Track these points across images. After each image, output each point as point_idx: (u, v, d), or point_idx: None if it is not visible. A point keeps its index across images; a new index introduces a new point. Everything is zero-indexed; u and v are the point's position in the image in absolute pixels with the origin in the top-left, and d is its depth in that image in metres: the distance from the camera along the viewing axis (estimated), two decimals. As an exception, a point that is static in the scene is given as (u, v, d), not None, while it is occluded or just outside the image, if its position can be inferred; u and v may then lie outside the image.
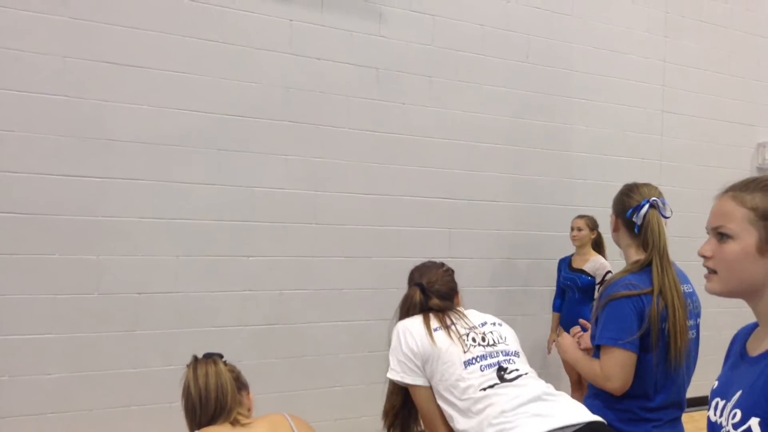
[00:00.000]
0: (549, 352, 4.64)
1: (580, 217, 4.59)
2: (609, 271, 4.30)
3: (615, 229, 2.28)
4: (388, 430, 2.31)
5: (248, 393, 1.89)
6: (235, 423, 1.72)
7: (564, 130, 4.96)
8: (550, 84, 4.88)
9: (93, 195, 3.54)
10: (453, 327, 2.17)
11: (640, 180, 2.34)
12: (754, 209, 1.25)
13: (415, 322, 2.22)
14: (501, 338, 2.20)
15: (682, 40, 5.47)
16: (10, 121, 3.37)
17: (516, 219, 4.77)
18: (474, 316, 2.28)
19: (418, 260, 4.33)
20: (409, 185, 4.38)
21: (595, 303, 2.19)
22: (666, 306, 2.07)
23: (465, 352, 2.10)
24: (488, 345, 2.14)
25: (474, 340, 2.15)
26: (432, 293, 2.28)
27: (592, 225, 4.52)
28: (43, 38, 3.42)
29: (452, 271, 2.41)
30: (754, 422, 1.16)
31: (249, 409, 1.85)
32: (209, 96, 3.80)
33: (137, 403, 3.63)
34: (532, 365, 2.22)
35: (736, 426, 1.19)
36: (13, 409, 3.38)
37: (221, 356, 1.83)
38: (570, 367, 3.82)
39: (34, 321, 3.42)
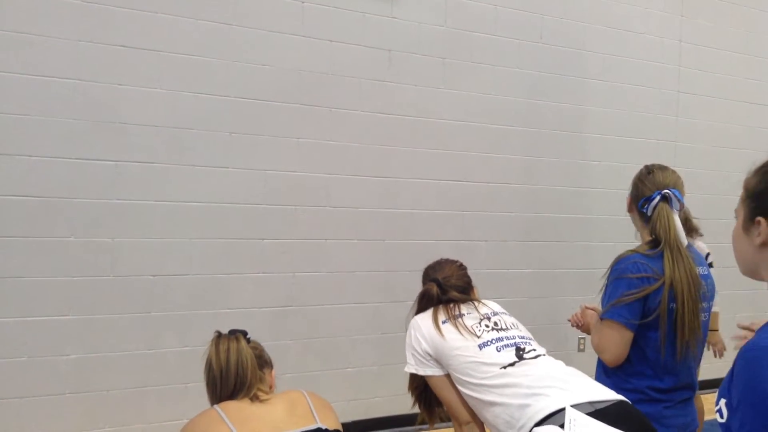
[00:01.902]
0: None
1: None
2: (708, 253, 3.97)
3: (629, 210, 2.30)
4: (415, 403, 2.46)
5: (271, 371, 1.91)
6: (254, 399, 1.75)
7: (578, 111, 4.92)
8: (564, 65, 4.84)
9: (107, 178, 3.57)
10: (461, 318, 2.23)
11: (657, 161, 2.33)
12: (747, 189, 1.26)
13: (425, 317, 2.30)
14: (513, 325, 2.27)
15: (699, 20, 5.39)
16: (24, 106, 3.39)
17: (530, 201, 4.75)
18: (487, 305, 2.34)
19: (432, 242, 4.38)
20: (422, 167, 4.37)
21: (604, 276, 2.21)
22: (675, 296, 2.07)
23: (478, 337, 2.16)
24: (501, 330, 2.20)
25: (487, 326, 2.21)
26: (449, 287, 2.34)
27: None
28: (56, 22, 3.43)
29: (466, 267, 2.48)
30: (722, 403, 1.19)
31: (270, 387, 1.88)
32: (222, 79, 3.80)
33: (153, 384, 3.67)
34: (548, 347, 2.25)
35: (716, 406, 1.23)
36: (31, 389, 3.44)
37: (245, 333, 1.85)
38: None
39: (51, 303, 3.47)
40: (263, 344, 1.98)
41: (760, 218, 1.22)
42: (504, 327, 2.21)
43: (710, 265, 3.87)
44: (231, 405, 1.72)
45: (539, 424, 1.88)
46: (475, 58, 4.52)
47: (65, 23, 3.45)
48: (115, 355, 3.61)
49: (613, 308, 2.10)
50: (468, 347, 2.14)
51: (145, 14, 3.61)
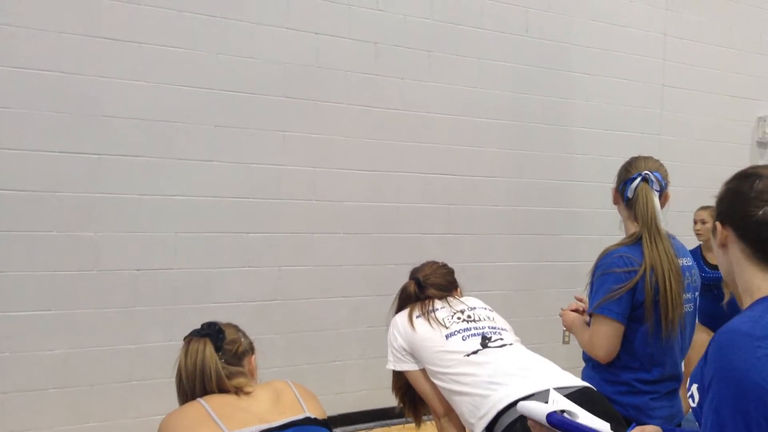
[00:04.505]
0: None
1: (704, 208, 4.21)
2: None
3: (615, 202, 2.31)
4: (400, 403, 2.55)
5: (251, 358, 1.89)
6: (239, 392, 1.73)
7: (563, 104, 4.94)
8: (549, 58, 4.85)
9: (90, 172, 3.53)
10: (434, 313, 2.29)
11: (641, 154, 2.34)
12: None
13: (403, 314, 2.38)
14: (488, 317, 2.29)
15: (683, 13, 5.42)
16: (5, 98, 3.35)
17: (515, 194, 4.76)
18: (465, 301, 2.38)
19: (418, 236, 4.39)
20: (408, 161, 4.36)
21: (590, 272, 2.22)
22: (656, 276, 2.09)
23: (447, 328, 2.21)
24: (472, 321, 2.25)
25: (459, 318, 2.26)
26: (428, 285, 2.41)
27: None
28: (38, 14, 3.39)
29: (451, 269, 2.54)
30: (694, 388, 1.24)
31: (251, 373, 1.87)
32: (206, 72, 3.77)
33: (138, 378, 3.65)
34: (534, 340, 2.26)
35: (687, 392, 1.28)
36: (14, 385, 3.40)
37: (215, 332, 1.82)
38: None
39: (34, 298, 3.43)
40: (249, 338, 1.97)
41: (716, 223, 1.33)
42: (476, 319, 2.26)
43: None
44: (215, 398, 1.70)
45: (501, 413, 1.90)
46: (461, 51, 4.52)
47: (47, 15, 3.40)
48: (100, 350, 3.58)
49: (602, 304, 2.11)
50: (435, 337, 2.20)
51: (128, 6, 3.57)
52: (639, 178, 2.17)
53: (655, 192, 2.18)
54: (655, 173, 2.19)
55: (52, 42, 3.42)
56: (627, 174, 2.23)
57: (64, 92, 3.46)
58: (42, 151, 3.43)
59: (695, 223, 4.29)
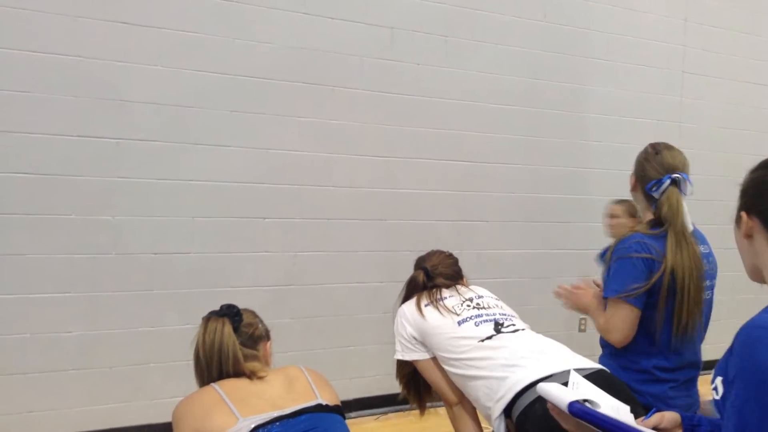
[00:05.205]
0: None
1: (618, 202, 4.03)
2: None
3: (633, 189, 2.28)
4: (404, 391, 2.52)
5: (266, 344, 1.90)
6: (252, 376, 1.74)
7: (581, 90, 4.89)
8: (567, 43, 4.80)
9: (109, 155, 3.56)
10: (442, 301, 2.29)
11: (660, 141, 2.30)
12: (741, 186, 1.31)
13: (410, 303, 2.36)
14: (497, 305, 2.29)
15: (705, -1, 5.34)
16: (24, 82, 3.38)
17: (531, 181, 4.74)
18: (474, 289, 2.38)
19: (432, 223, 4.38)
20: (423, 147, 4.35)
21: (607, 256, 2.20)
22: (676, 280, 2.06)
23: (458, 315, 2.20)
24: (482, 308, 2.25)
25: (468, 306, 2.25)
26: (437, 275, 2.41)
27: (633, 212, 3.90)
28: (55, -2, 3.40)
29: (456, 259, 2.54)
30: (718, 381, 1.21)
31: (266, 360, 1.88)
32: (222, 56, 3.78)
33: (155, 361, 3.70)
34: (549, 328, 2.26)
35: (711, 384, 1.25)
36: (34, 365, 3.46)
37: (234, 313, 1.84)
38: None
39: (54, 280, 3.48)
40: (265, 323, 1.98)
41: (742, 213, 1.28)
42: (485, 306, 2.25)
43: None
44: (229, 383, 1.71)
45: (519, 395, 1.90)
46: (478, 36, 4.48)
47: (65, -1, 3.42)
48: (118, 332, 3.62)
49: (618, 286, 2.10)
50: (447, 324, 2.19)
51: (145, -10, 3.58)
52: (668, 181, 2.13)
53: (684, 196, 2.15)
54: (684, 175, 2.14)
55: (70, 26, 3.44)
56: (652, 171, 2.16)
57: (82, 77, 3.48)
58: (60, 135, 3.46)
59: (608, 217, 4.03)
